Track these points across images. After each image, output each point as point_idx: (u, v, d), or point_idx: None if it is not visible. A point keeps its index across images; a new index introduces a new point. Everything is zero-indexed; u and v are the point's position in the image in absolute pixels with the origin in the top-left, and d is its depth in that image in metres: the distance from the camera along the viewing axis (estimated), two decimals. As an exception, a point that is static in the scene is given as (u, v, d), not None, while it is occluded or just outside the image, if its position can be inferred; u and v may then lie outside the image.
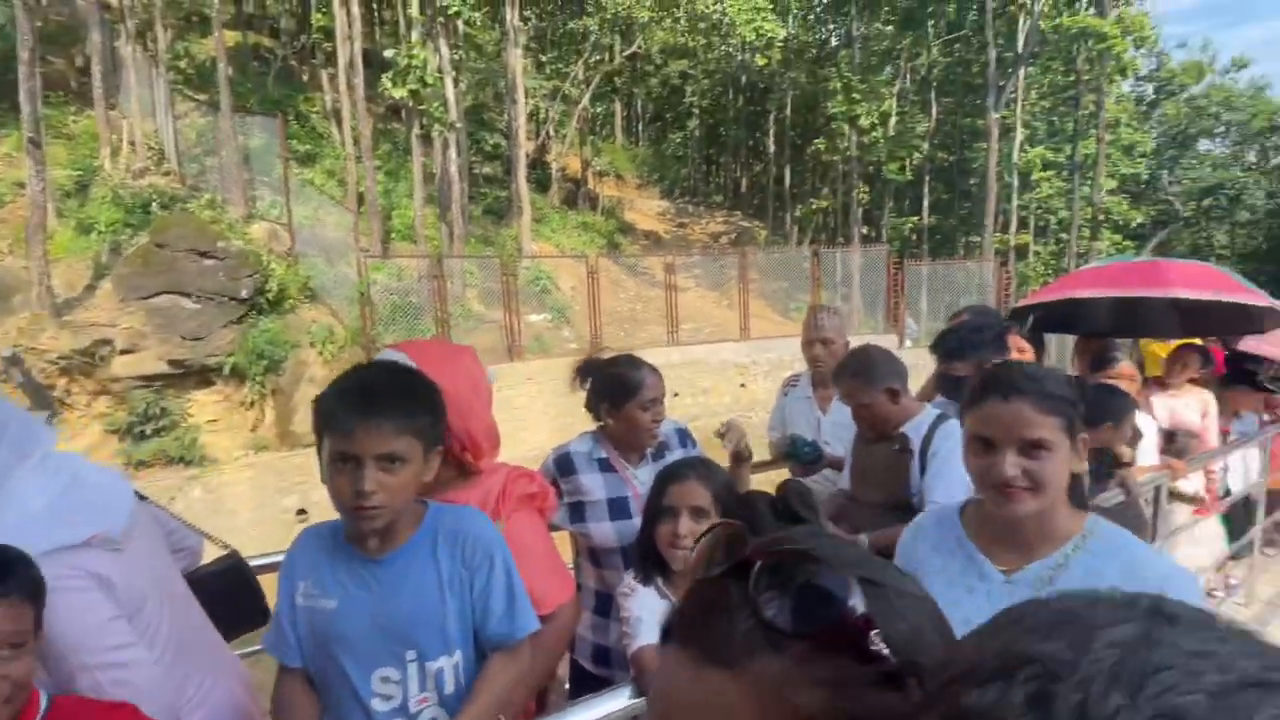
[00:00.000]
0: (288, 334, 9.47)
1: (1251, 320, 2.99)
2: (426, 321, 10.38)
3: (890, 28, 22.18)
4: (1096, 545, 1.05)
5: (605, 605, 1.75)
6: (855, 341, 2.55)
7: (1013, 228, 22.60)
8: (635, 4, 16.08)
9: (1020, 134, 21.13)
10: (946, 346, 2.39)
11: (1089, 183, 22.13)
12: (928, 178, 24.16)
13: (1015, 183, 21.39)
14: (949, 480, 1.79)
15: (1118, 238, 23.57)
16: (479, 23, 16.97)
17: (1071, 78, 22.85)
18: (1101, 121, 21.02)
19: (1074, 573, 1.03)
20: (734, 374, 12.96)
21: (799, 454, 2.42)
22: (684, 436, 2.03)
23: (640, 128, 32.82)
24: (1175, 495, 3.32)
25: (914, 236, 24.56)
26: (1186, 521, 3.49)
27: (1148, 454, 2.96)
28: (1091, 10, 19.76)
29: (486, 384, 1.24)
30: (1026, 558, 1.07)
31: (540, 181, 20.67)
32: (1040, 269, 22.96)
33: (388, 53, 12.84)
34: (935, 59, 23.85)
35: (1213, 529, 3.74)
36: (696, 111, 31.01)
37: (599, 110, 21.93)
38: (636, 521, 1.60)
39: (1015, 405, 1.03)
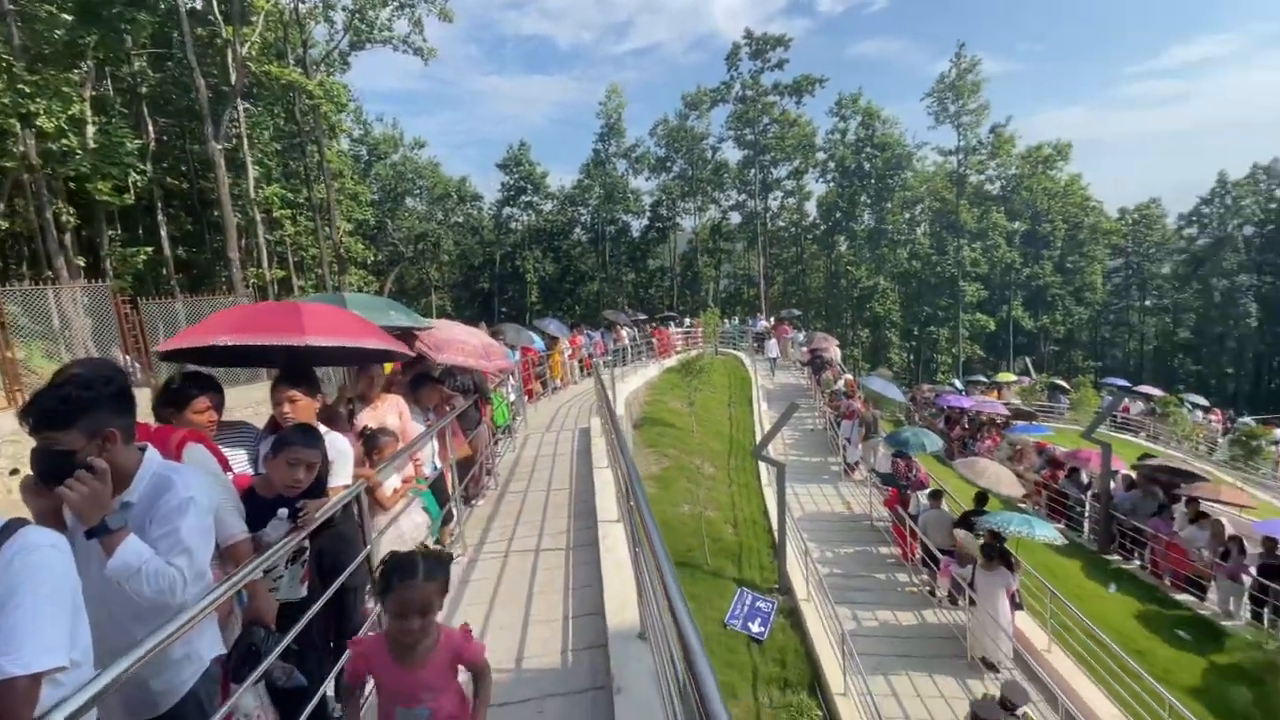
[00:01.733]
0: None
1: (375, 354, 3.74)
2: None
3: (67, 16, 17.84)
4: None
5: None
6: None
7: (266, 262, 22.75)
8: None
9: (255, 171, 21.27)
10: (39, 412, 1.70)
11: (329, 224, 24.79)
12: (160, 204, 21.24)
13: (259, 218, 21.46)
14: None
15: (362, 272, 27.61)
16: None
17: (294, 126, 24.74)
18: (326, 171, 23.79)
19: None
20: None
21: None
22: None
23: None
24: (378, 500, 3.90)
25: (162, 270, 21.39)
26: (403, 505, 4.25)
27: (342, 474, 3.34)
28: (300, 70, 21.84)
29: None
30: None
31: None
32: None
33: None
34: (144, 71, 21.06)
35: (418, 504, 4.72)
36: None
37: None
38: None
39: None
